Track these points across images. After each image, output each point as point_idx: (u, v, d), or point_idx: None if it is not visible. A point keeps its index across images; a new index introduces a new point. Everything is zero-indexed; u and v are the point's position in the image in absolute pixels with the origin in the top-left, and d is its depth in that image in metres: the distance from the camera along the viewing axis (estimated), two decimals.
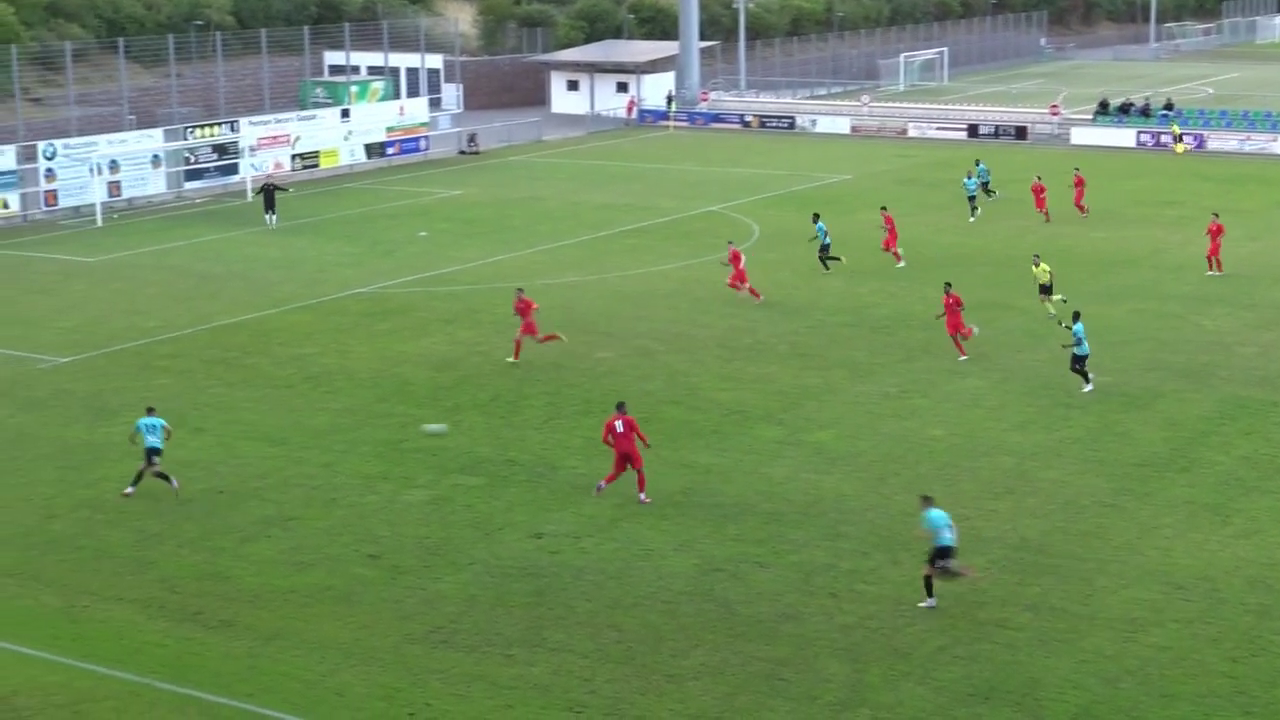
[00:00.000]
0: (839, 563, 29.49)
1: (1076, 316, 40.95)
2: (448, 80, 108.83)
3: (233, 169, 78.09)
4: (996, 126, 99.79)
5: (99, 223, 68.77)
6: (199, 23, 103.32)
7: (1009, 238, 63.03)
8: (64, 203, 71.08)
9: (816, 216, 57.78)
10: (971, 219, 66.66)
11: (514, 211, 70.61)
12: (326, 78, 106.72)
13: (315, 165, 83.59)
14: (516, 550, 30.27)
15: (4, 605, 27.98)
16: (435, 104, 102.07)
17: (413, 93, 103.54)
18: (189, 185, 76.72)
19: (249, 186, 75.74)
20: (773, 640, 26.20)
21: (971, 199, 68.09)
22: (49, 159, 70.28)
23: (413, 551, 30.26)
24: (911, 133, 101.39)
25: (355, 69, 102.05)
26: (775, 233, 64.46)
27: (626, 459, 32.40)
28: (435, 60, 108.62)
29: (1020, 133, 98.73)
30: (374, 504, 32.93)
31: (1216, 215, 56.78)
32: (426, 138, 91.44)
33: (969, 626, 26.61)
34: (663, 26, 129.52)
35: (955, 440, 36.87)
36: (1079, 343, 40.29)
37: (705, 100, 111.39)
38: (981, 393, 40.75)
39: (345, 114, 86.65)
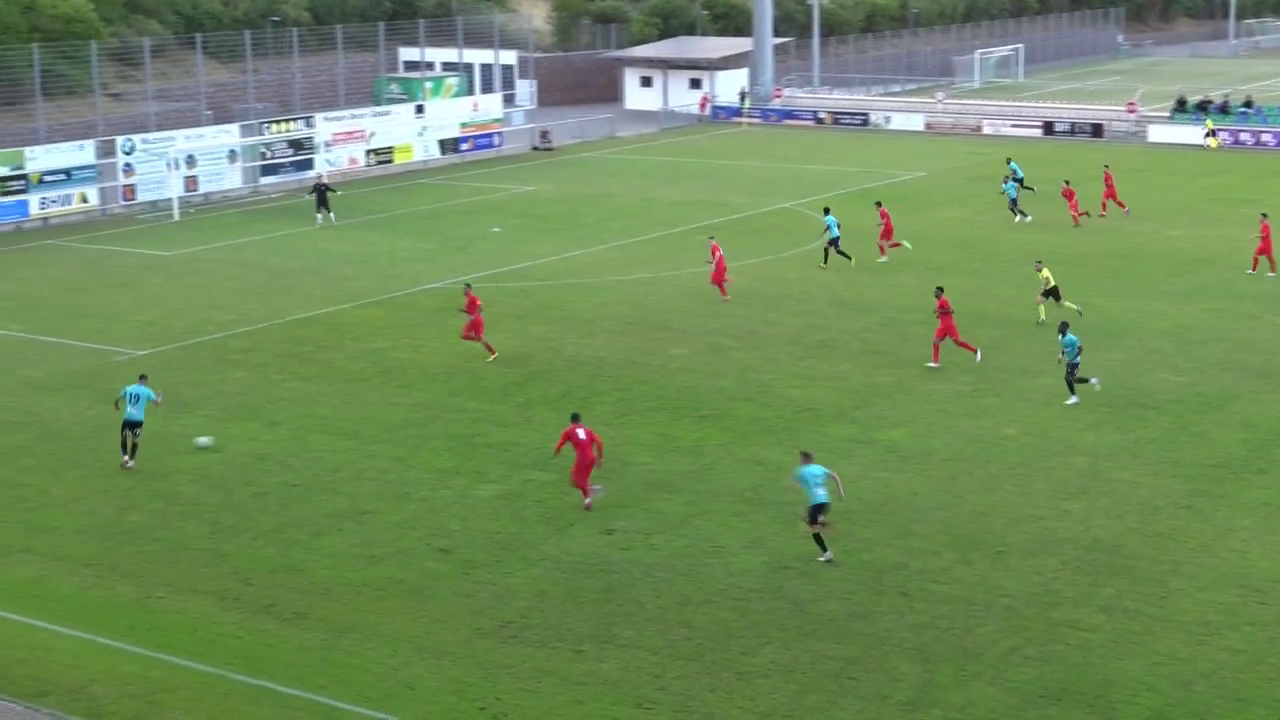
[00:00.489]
0: (910, 562, 29.38)
1: (1064, 329, 39.91)
2: (522, 76, 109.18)
3: (308, 164, 78.57)
4: (1072, 124, 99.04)
5: (176, 217, 69.40)
6: (275, 19, 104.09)
7: (1082, 235, 62.56)
8: (142, 197, 71.77)
9: (827, 210, 57.96)
10: (1026, 219, 65.56)
11: (586, 208, 70.72)
12: (401, 74, 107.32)
13: (389, 161, 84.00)
14: (587, 546, 30.33)
15: (81, 595, 28.30)
16: (509, 100, 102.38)
17: (487, 89, 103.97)
18: (264, 180, 77.30)
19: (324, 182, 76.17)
20: (843, 639, 26.14)
21: (1014, 202, 66.58)
22: (127, 154, 70.98)
23: (484, 546, 30.37)
24: (986, 130, 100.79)
25: (430, 65, 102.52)
26: (847, 230, 64.10)
27: (588, 466, 32.09)
28: (509, 56, 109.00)
29: (1096, 130, 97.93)
30: (446, 498, 33.08)
31: (1265, 216, 56.01)
32: (500, 134, 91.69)
33: (1041, 627, 26.45)
34: (736, 23, 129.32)
35: (1028, 440, 36.65)
36: (1077, 352, 39.39)
37: (779, 97, 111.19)
38: (1055, 392, 40.44)
39: (420, 110, 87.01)
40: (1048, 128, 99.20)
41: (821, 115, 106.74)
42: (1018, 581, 28.34)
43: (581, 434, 32.08)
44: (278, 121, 79.21)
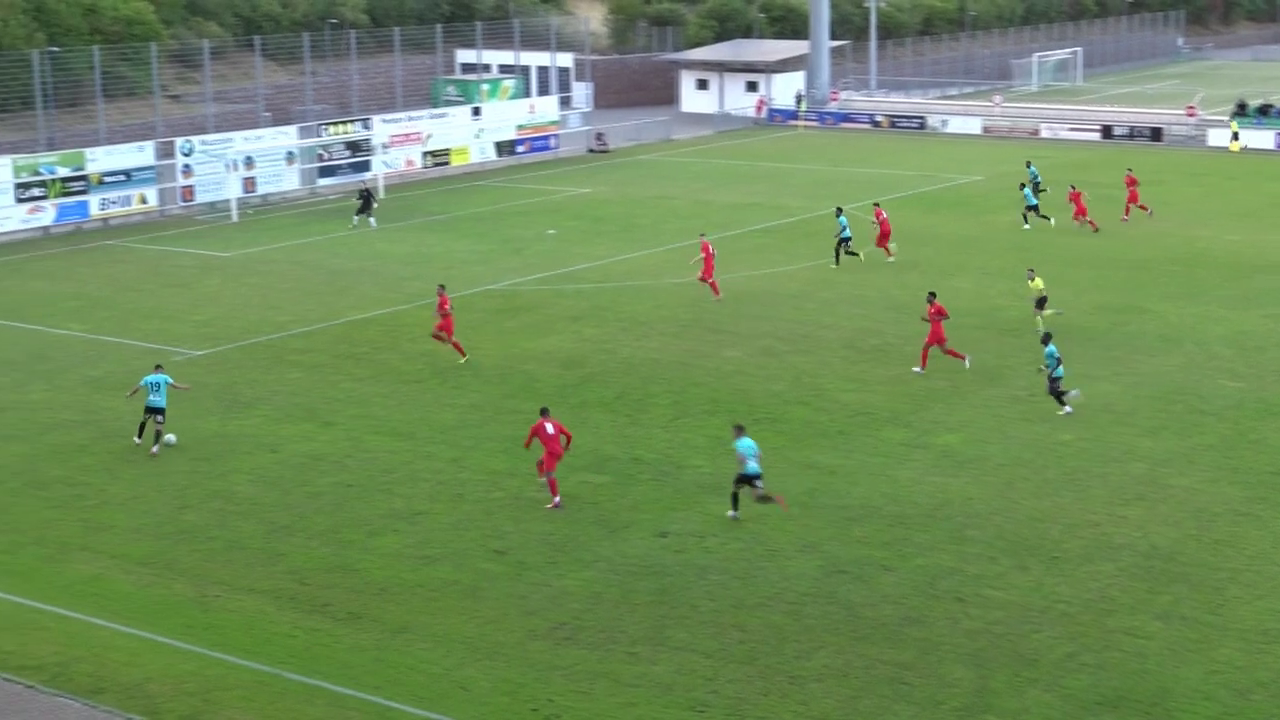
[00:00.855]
0: (965, 567, 29.26)
1: (1047, 339, 39.54)
2: (578, 79, 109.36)
3: (365, 166, 78.91)
4: (1131, 128, 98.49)
5: (234, 218, 69.82)
6: (333, 21, 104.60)
7: (1145, 240, 62.18)
8: (200, 198, 72.24)
9: (839, 211, 58.14)
10: (1049, 221, 64.99)
11: (642, 210, 70.75)
12: (458, 76, 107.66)
13: (446, 163, 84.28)
14: (641, 548, 30.33)
15: (138, 594, 28.49)
16: (565, 102, 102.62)
17: (543, 91, 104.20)
18: (322, 182, 77.68)
19: (381, 184, 76.53)
20: (897, 644, 26.05)
21: (1033, 208, 65.56)
22: (186, 155, 71.46)
23: (538, 548, 30.42)
24: (1044, 134, 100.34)
25: (486, 67, 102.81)
26: (904, 234, 63.98)
27: (555, 458, 32.61)
28: (566, 59, 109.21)
29: (1156, 134, 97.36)
30: (500, 499, 33.14)
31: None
32: (556, 136, 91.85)
33: (1098, 634, 26.29)
34: (793, 25, 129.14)
35: (1085, 445, 36.43)
36: (1057, 364, 39.00)
37: (835, 100, 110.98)
38: (1112, 398, 40.22)
39: (476, 112, 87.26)
40: (1106, 132, 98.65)
41: (878, 118, 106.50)
42: (1074, 588, 28.18)
43: (550, 428, 32.74)
44: (335, 123, 79.56)
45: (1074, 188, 66.36)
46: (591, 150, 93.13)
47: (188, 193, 71.89)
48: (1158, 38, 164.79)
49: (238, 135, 74.98)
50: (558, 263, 58.54)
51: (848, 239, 56.77)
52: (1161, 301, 50.99)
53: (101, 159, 68.76)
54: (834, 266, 56.47)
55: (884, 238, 58.10)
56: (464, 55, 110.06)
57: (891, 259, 57.52)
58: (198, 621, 27.21)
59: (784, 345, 45.77)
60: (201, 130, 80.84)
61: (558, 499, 32.62)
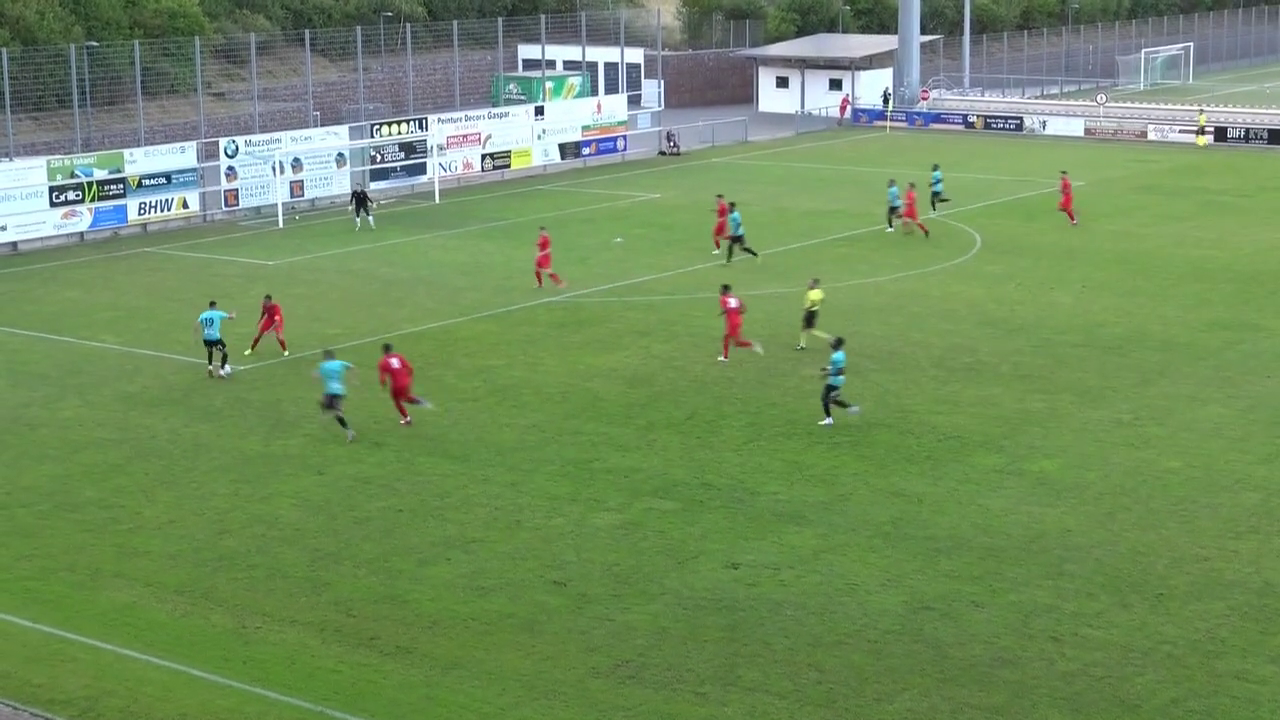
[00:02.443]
0: (1062, 604, 29.07)
1: (838, 344, 39.75)
2: (648, 76, 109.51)
3: (420, 169, 79.33)
4: (1246, 130, 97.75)
5: (280, 224, 70.33)
6: (388, 14, 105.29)
7: (1257, 252, 61.68)
8: (245, 203, 72.82)
9: (733, 206, 60.38)
10: (889, 229, 66.28)
11: (716, 217, 70.70)
12: (520, 73, 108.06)
13: (506, 165, 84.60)
14: (711, 581, 30.30)
15: (174, 624, 28.70)
16: (634, 101, 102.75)
17: (611, 89, 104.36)
18: (374, 185, 78.08)
19: (437, 188, 76.91)
20: (987, 686, 25.90)
21: (894, 210, 66.53)
22: (230, 157, 72.04)
23: (600, 579, 30.44)
24: (1152, 136, 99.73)
25: (550, 64, 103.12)
26: (999, 243, 63.78)
27: (400, 392, 39.64)
28: (635, 54, 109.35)
29: (1274, 137, 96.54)
30: (560, 527, 33.20)
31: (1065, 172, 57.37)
32: (624, 137, 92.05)
33: (1205, 678, 26.05)
34: (881, 19, 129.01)
35: (1193, 473, 36.15)
36: (837, 373, 39.33)
37: (925, 99, 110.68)
38: (1224, 421, 39.90)
39: (539, 111, 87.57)
40: (1220, 134, 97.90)
41: (972, 119, 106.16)
42: (1180, 628, 27.95)
43: (395, 363, 39.54)
44: (389, 123, 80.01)
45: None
46: (662, 152, 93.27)
47: (231, 197, 72.47)
48: (1275, 33, 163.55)
49: (285, 136, 75.53)
50: (625, 273, 58.63)
51: (740, 235, 59.45)
52: (1277, 318, 50.51)
53: (141, 161, 69.45)
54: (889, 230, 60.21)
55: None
56: (527, 51, 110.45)
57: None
58: (237, 654, 27.37)
59: (869, 363, 45.65)
60: (247, 130, 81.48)
61: (409, 417, 39.80)
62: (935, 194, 69.66)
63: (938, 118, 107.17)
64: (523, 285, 56.30)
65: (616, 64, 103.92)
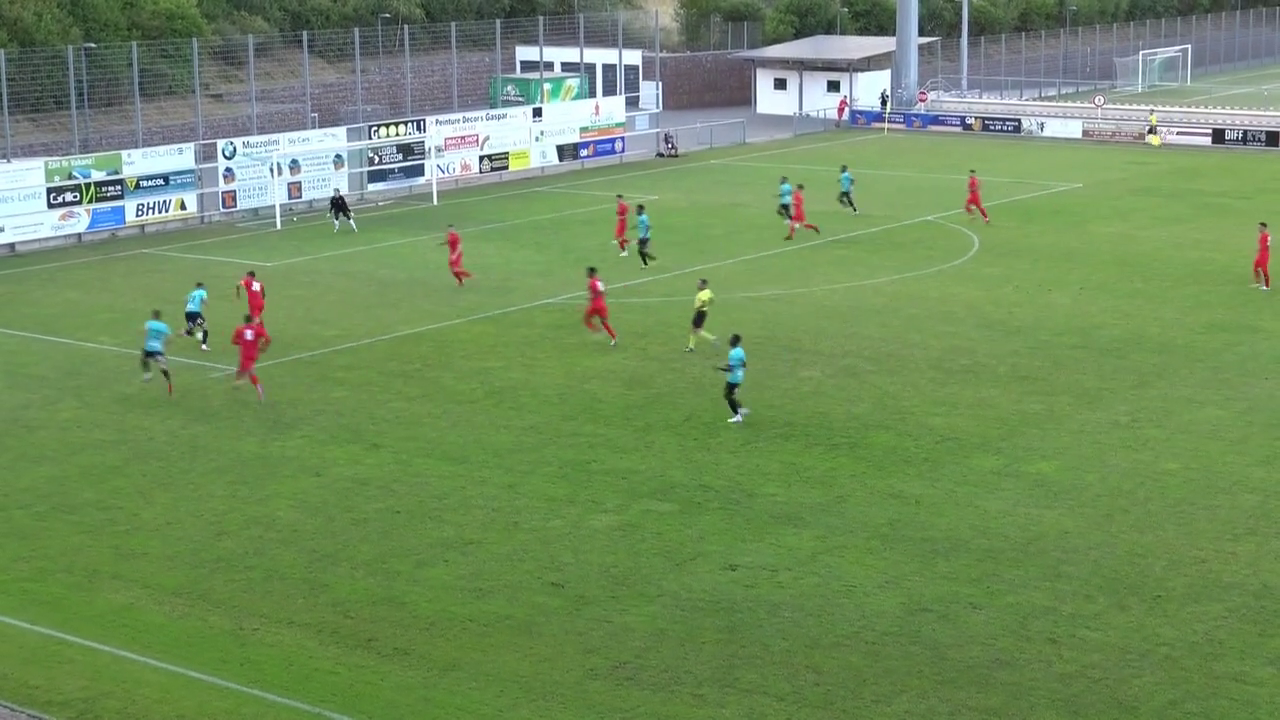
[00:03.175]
0: (1059, 606, 29.07)
1: (735, 341, 40.10)
2: (646, 78, 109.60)
3: (418, 170, 79.33)
4: (1244, 132, 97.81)
5: (278, 226, 70.32)
6: (386, 16, 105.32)
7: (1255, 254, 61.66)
8: (243, 204, 72.81)
9: (640, 208, 60.47)
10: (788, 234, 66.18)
11: (713, 219, 70.76)
12: (518, 74, 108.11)
13: (504, 167, 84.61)
14: (709, 582, 30.30)
15: (172, 625, 28.69)
16: (632, 103, 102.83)
17: (609, 91, 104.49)
18: (372, 187, 78.11)
19: (435, 189, 76.90)
20: (985, 688, 25.89)
21: (784, 208, 67.58)
22: (228, 158, 72.04)
23: (598, 581, 30.44)
24: (1150, 138, 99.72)
25: (549, 65, 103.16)
26: (997, 245, 63.80)
27: (251, 359, 42.25)
28: (633, 56, 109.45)
29: (1271, 139, 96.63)
30: (558, 529, 33.20)
31: (1264, 225, 56.50)
32: (623, 139, 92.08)
33: (1203, 680, 26.05)
34: (878, 21, 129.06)
35: (1191, 475, 36.15)
36: (732, 369, 39.75)
37: (923, 101, 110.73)
38: (1222, 423, 39.91)
39: (537, 113, 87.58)
40: (1218, 136, 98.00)
41: (970, 121, 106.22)
42: (1178, 629, 27.95)
43: (250, 335, 42.20)
44: (387, 125, 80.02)
45: (973, 173, 70.28)
46: (660, 154, 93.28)
47: (229, 198, 72.48)
48: (1273, 34, 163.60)
49: (283, 137, 75.54)
50: (623, 275, 58.61)
51: (647, 239, 59.81)
52: (1275, 320, 50.53)
53: (139, 162, 69.46)
54: (644, 266, 59.60)
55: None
56: (525, 52, 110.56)
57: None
58: (234, 656, 27.37)
59: (867, 365, 45.66)
60: (245, 132, 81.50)
61: (261, 388, 42.36)
62: (844, 194, 71.11)
63: (935, 119, 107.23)
64: (521, 287, 56.32)
65: (614, 66, 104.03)
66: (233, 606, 29.45)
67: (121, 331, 50.51)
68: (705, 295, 46.86)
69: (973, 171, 71.24)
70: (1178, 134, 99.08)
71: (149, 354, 43.24)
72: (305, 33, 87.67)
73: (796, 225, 65.38)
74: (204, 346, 47.79)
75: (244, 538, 32.86)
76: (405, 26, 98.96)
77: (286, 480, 36.30)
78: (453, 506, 34.54)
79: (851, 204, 70.98)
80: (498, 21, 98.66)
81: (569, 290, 55.63)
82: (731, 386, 40.10)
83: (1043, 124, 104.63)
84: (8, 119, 70.92)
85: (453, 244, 56.58)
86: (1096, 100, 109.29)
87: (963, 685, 25.99)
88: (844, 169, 73.37)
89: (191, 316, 48.08)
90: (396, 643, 27.80)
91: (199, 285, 49.03)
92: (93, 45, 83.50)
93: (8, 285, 58.57)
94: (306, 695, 25.81)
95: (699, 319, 46.91)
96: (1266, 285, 54.84)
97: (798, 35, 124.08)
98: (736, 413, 40.17)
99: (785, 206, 66.87)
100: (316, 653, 27.46)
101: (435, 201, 75.92)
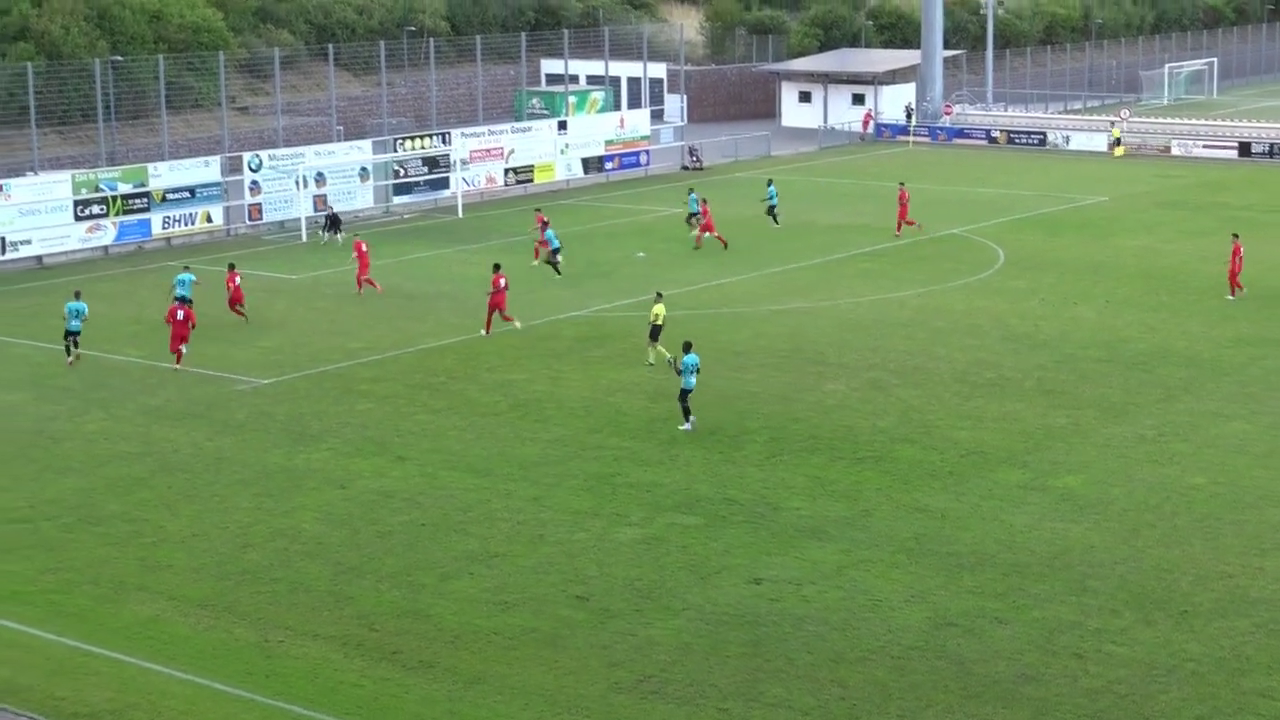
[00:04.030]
0: (1085, 620, 28.98)
1: (688, 347, 40.55)
2: (671, 91, 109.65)
3: (443, 183, 79.42)
4: (1271, 145, 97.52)
5: (304, 238, 70.45)
6: (412, 29, 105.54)
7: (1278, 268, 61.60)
8: (269, 217, 72.95)
9: (542, 223, 62.58)
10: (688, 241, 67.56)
11: (739, 232, 70.72)
12: (543, 87, 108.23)
13: (529, 180, 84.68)
14: (734, 596, 30.26)
15: (197, 637, 28.73)
16: (657, 116, 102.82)
17: (634, 104, 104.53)
18: (397, 200, 78.21)
19: (460, 202, 76.96)
20: (1011, 703, 25.81)
21: (770, 209, 71.06)
22: (254, 170, 72.21)
23: (623, 594, 30.42)
24: (1175, 151, 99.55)
25: (574, 78, 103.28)
26: (1022, 258, 63.70)
27: (181, 339, 46.87)
28: (658, 69, 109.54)
29: None
30: (583, 542, 33.18)
31: (1236, 236, 56.92)
32: (647, 151, 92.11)
33: (1230, 696, 25.94)
34: (903, 34, 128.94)
35: (1218, 490, 36.02)
36: (688, 372, 40.32)
37: (949, 114, 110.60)
38: (1249, 437, 39.76)
39: (562, 126, 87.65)
40: (1244, 149, 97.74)
41: (995, 134, 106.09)
42: (1204, 645, 27.84)
43: (181, 315, 46.86)
44: (412, 137, 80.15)
45: (902, 186, 70.93)
46: (685, 167, 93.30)
47: (255, 211, 72.64)
48: None
49: (309, 150, 75.72)
50: (648, 288, 58.53)
51: (557, 249, 61.24)
52: None
53: (165, 175, 69.67)
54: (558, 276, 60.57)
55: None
56: (550, 65, 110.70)
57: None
58: (259, 668, 27.40)
59: (892, 378, 45.60)
60: (270, 144, 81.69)
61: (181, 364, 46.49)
62: (770, 208, 71.74)
63: (961, 132, 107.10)
64: (546, 300, 56.35)
65: (639, 79, 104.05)
66: (258, 619, 29.49)
67: (147, 344, 50.62)
68: (660, 309, 46.99)
69: (902, 184, 71.94)
70: (1204, 147, 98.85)
71: (70, 334, 47.77)
72: (331, 46, 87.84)
73: (704, 235, 66.93)
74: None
75: (269, 550, 32.90)
76: (431, 39, 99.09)
77: (312, 492, 36.34)
78: (478, 519, 34.55)
79: (774, 218, 71.72)
80: (523, 35, 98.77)
81: (594, 303, 55.66)
82: (685, 393, 40.57)
83: (1068, 137, 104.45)
84: (35, 132, 71.21)
85: (359, 253, 58.39)
86: (1122, 113, 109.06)
87: (988, 700, 25.92)
88: (769, 182, 74.04)
89: (182, 301, 50.51)
90: (421, 655, 27.80)
91: (186, 269, 53.72)
92: (119, 58, 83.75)
93: (35, 297, 58.78)
94: (331, 708, 25.83)
95: (655, 333, 46.99)
96: (1233, 294, 55.72)
97: (823, 48, 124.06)
98: (687, 420, 40.53)
99: (693, 215, 68.65)
100: (341, 665, 27.48)
101: (460, 214, 75.99)
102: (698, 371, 40.69)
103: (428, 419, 42.15)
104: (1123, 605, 29.66)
